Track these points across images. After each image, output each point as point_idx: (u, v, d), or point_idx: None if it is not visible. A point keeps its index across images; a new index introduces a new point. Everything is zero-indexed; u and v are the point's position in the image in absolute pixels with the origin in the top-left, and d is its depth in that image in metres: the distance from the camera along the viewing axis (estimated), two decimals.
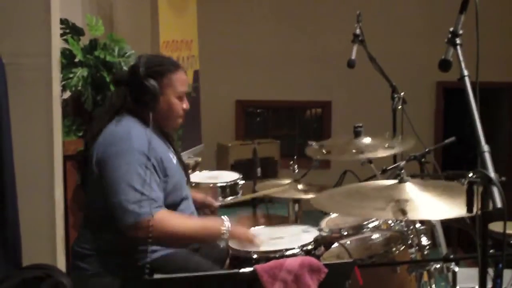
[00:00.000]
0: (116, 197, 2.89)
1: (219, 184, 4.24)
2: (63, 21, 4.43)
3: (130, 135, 3.03)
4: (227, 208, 4.19)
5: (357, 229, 3.46)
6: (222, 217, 3.14)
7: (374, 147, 3.90)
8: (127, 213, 2.86)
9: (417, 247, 2.99)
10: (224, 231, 3.06)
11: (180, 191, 3.21)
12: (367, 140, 3.97)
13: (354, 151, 3.86)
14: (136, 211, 2.86)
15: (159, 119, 3.18)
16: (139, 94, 3.11)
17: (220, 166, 8.10)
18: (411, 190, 2.81)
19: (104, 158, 3.00)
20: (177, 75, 3.23)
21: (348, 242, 3.31)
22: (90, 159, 3.07)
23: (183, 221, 3.05)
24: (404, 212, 2.72)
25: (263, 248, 3.18)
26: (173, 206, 3.13)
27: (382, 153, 3.82)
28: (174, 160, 3.25)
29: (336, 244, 3.26)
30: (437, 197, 2.75)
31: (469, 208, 2.03)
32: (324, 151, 3.97)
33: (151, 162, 3.00)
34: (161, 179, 3.07)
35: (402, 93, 4.31)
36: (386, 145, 3.85)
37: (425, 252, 2.98)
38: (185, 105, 3.28)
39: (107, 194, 2.93)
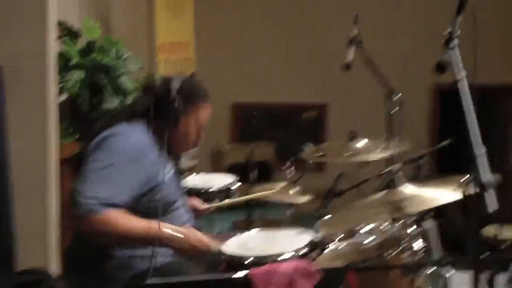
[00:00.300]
0: (76, 186, 2.85)
1: (214, 188, 4.24)
2: (60, 23, 4.43)
3: (129, 137, 3.03)
4: (222, 212, 4.20)
5: (351, 233, 3.46)
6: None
7: (370, 149, 3.90)
8: (76, 205, 2.80)
9: (411, 251, 2.99)
10: (167, 235, 2.97)
11: (168, 203, 3.17)
12: (363, 143, 3.97)
13: (349, 153, 3.86)
14: (83, 207, 2.79)
15: (171, 140, 3.13)
16: (163, 110, 3.09)
17: (215, 169, 8.08)
18: (407, 190, 2.83)
19: (92, 149, 3.00)
20: (204, 107, 3.28)
21: (342, 246, 3.31)
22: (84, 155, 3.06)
23: (128, 223, 2.93)
24: (400, 209, 2.74)
25: (257, 252, 3.17)
26: (155, 215, 3.00)
27: (378, 156, 3.82)
28: (169, 174, 3.21)
29: (330, 248, 3.26)
30: (432, 188, 2.77)
31: (464, 212, 2.04)
32: (320, 153, 3.97)
33: (135, 170, 2.97)
34: (151, 191, 3.04)
35: (398, 96, 4.31)
36: (382, 146, 3.85)
37: (419, 256, 2.98)
38: (199, 137, 3.35)
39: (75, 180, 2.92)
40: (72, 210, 2.83)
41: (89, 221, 2.80)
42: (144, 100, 3.18)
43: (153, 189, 3.05)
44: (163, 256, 3.08)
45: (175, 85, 3.13)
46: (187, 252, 3.06)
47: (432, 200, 2.77)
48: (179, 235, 3.01)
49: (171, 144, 3.17)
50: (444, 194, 2.71)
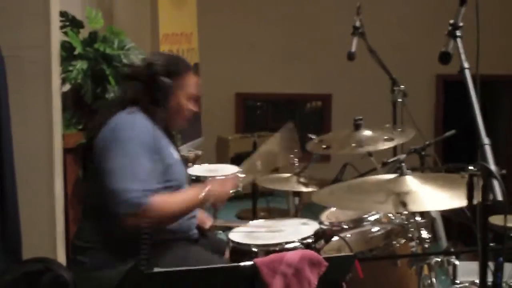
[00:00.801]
0: (113, 185, 2.86)
1: (218, 178, 4.23)
2: (63, 14, 4.42)
3: (135, 125, 3.03)
4: (227, 201, 4.19)
5: (358, 222, 3.45)
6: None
7: (374, 139, 3.89)
8: (125, 203, 2.84)
9: (417, 241, 2.99)
10: (202, 197, 3.09)
11: (179, 185, 3.21)
12: (367, 133, 3.96)
13: (353, 144, 3.85)
14: (134, 201, 2.83)
15: (167, 117, 3.18)
16: (152, 90, 3.11)
17: (220, 159, 8.10)
18: (412, 183, 2.81)
19: (105, 145, 2.99)
20: (190, 78, 3.25)
21: (349, 236, 3.31)
22: (94, 148, 3.06)
23: (173, 200, 3.05)
24: (404, 204, 2.73)
25: (263, 241, 3.18)
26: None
27: (382, 146, 3.81)
28: (175, 155, 3.25)
29: (336, 238, 3.26)
30: (438, 189, 2.75)
31: (470, 201, 2.03)
32: (323, 146, 3.96)
33: (151, 154, 3.00)
34: (161, 172, 3.07)
35: (402, 86, 4.30)
36: (386, 137, 3.83)
37: (426, 246, 2.98)
38: (194, 108, 3.29)
39: (104, 181, 2.92)
40: (122, 209, 2.85)
41: (142, 214, 2.84)
42: (131, 87, 3.19)
43: (168, 169, 3.10)
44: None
45: (156, 63, 3.14)
46: (222, 199, 3.23)
47: (436, 202, 2.75)
48: (210, 189, 3.13)
49: (167, 121, 3.22)
50: (448, 197, 2.68)
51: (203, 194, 3.10)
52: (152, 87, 3.12)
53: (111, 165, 2.92)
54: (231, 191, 3.30)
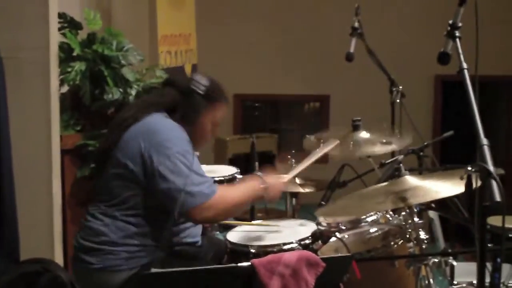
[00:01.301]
0: (180, 182, 2.92)
1: (216, 179, 4.24)
2: (61, 15, 4.41)
3: (175, 127, 3.11)
4: None
5: (355, 223, 3.45)
6: (257, 173, 3.34)
7: (372, 141, 3.89)
8: (195, 196, 2.92)
9: (415, 241, 2.99)
10: (264, 187, 3.20)
11: None
12: (365, 134, 3.96)
13: (351, 144, 3.85)
14: (204, 192, 2.94)
15: (189, 135, 3.18)
16: (186, 106, 3.18)
17: (218, 160, 8.09)
18: (410, 181, 2.82)
19: (156, 143, 3.01)
20: (222, 107, 3.37)
21: (346, 236, 3.31)
22: (128, 148, 3.05)
23: (235, 191, 3.19)
24: (404, 199, 2.73)
25: (261, 242, 3.18)
26: None
27: (380, 148, 3.81)
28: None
29: (334, 238, 3.26)
30: (436, 181, 2.77)
31: (468, 202, 2.02)
32: (321, 144, 3.96)
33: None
34: None
35: (400, 87, 4.30)
36: (384, 140, 3.83)
37: (423, 246, 2.98)
38: (214, 134, 3.39)
39: (165, 180, 2.95)
40: (191, 203, 2.92)
41: (213, 202, 2.95)
42: (169, 94, 3.23)
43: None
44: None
45: (202, 84, 3.21)
46: (275, 196, 3.31)
47: (435, 192, 2.76)
48: (270, 186, 3.24)
49: (190, 138, 3.22)
50: (446, 186, 2.70)
51: (264, 186, 3.20)
52: (187, 103, 3.18)
53: (167, 165, 2.97)
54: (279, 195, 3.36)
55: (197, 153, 3.74)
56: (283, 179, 3.39)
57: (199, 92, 3.18)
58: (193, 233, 3.24)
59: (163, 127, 3.09)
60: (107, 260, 3.04)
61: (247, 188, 3.24)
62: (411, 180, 2.86)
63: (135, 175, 3.00)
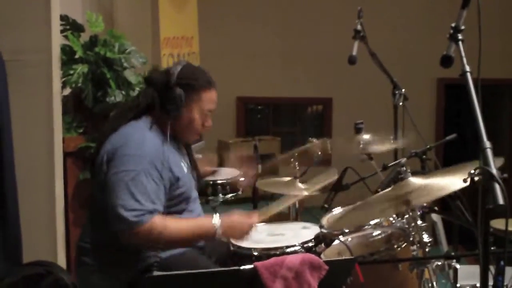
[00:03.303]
0: (114, 201, 2.85)
1: (219, 181, 4.24)
2: (63, 18, 4.42)
3: (144, 142, 3.00)
4: (227, 205, 4.19)
5: (358, 226, 3.45)
6: (214, 215, 3.09)
7: (375, 143, 3.89)
8: (120, 220, 2.82)
9: (418, 244, 2.98)
10: (217, 230, 3.01)
11: (188, 198, 3.20)
12: (368, 138, 3.95)
13: (355, 146, 3.85)
14: (129, 220, 2.81)
15: (177, 129, 3.15)
16: (165, 100, 3.08)
17: (221, 163, 8.08)
18: (413, 183, 2.81)
19: (113, 158, 2.97)
20: (207, 93, 3.19)
21: (349, 239, 3.30)
22: (101, 154, 3.05)
23: (179, 227, 2.99)
24: (407, 202, 2.73)
25: (264, 245, 3.17)
26: (180, 211, 3.13)
27: (383, 148, 3.81)
28: (185, 169, 3.22)
29: (337, 241, 3.25)
30: (438, 179, 2.76)
31: (471, 205, 2.02)
32: (325, 146, 3.96)
33: (158, 173, 2.97)
34: (171, 187, 3.05)
35: (403, 90, 4.29)
36: (388, 140, 3.83)
37: (427, 249, 2.97)
38: (207, 123, 3.26)
39: (106, 194, 2.91)
40: (117, 225, 2.84)
41: (139, 232, 2.83)
42: (146, 94, 3.16)
43: (175, 185, 3.07)
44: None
45: (175, 74, 3.10)
46: (236, 237, 3.15)
47: (438, 190, 2.75)
48: (225, 225, 3.03)
49: (178, 133, 3.19)
50: (450, 183, 2.69)
51: (218, 228, 3.01)
52: (165, 97, 3.08)
53: (114, 179, 2.91)
54: (249, 230, 3.13)
55: (200, 156, 3.73)
56: (251, 219, 3.13)
57: (173, 83, 3.06)
58: None
59: (130, 141, 2.99)
60: (104, 262, 3.04)
61: (192, 226, 3.05)
62: (414, 181, 2.85)
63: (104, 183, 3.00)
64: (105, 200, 2.90)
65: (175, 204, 3.06)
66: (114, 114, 3.26)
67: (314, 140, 4.13)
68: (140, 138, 3.00)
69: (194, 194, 3.29)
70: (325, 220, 3.63)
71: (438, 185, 2.75)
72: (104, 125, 3.19)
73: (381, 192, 3.02)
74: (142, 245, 2.92)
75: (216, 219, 3.02)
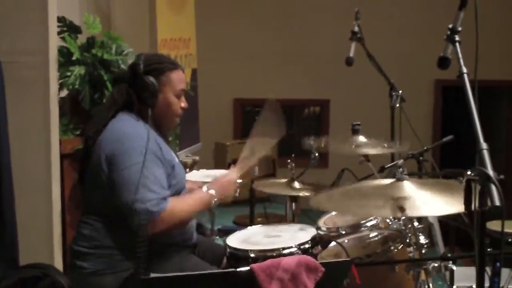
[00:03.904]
0: (129, 197, 2.88)
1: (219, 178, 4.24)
2: (60, 19, 4.42)
3: (138, 132, 3.04)
4: (225, 207, 4.18)
5: (355, 227, 3.45)
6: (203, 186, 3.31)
7: (371, 144, 3.89)
8: (141, 213, 2.86)
9: (415, 246, 2.98)
10: (212, 193, 3.21)
11: (181, 190, 3.23)
12: (364, 139, 3.95)
13: (352, 146, 3.84)
14: (150, 210, 2.87)
15: (158, 117, 3.20)
16: (139, 91, 3.13)
17: (218, 165, 8.09)
18: (410, 188, 2.80)
19: (114, 155, 2.99)
20: (175, 74, 3.25)
21: (346, 241, 3.30)
22: (96, 156, 3.06)
23: (183, 206, 3.09)
24: (402, 210, 2.72)
25: (260, 247, 3.17)
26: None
27: (379, 151, 3.80)
28: (177, 159, 3.27)
29: (333, 243, 3.25)
30: (436, 194, 2.74)
31: (467, 206, 2.02)
32: (322, 144, 3.96)
33: (159, 159, 3.04)
34: (168, 176, 3.09)
35: (400, 91, 4.30)
36: (385, 145, 3.83)
37: (423, 251, 2.97)
38: (183, 103, 3.30)
39: (117, 192, 2.93)
40: (137, 219, 2.87)
41: (162, 219, 2.90)
42: (120, 91, 3.21)
43: (171, 174, 3.13)
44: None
45: (140, 63, 3.17)
46: (229, 195, 3.35)
47: (435, 208, 2.74)
48: (217, 189, 3.26)
49: (159, 121, 3.24)
50: (447, 203, 2.68)
51: (212, 192, 3.22)
52: (138, 88, 3.14)
53: (123, 176, 2.94)
54: (233, 193, 3.38)
55: (197, 158, 3.73)
56: (231, 173, 3.42)
57: (141, 72, 3.13)
58: (183, 232, 3.23)
59: (123, 135, 3.04)
60: (100, 264, 3.04)
61: (196, 200, 3.21)
62: (410, 187, 2.84)
63: (106, 185, 3.01)
64: (117, 199, 2.93)
65: (170, 195, 3.08)
66: (93, 117, 3.28)
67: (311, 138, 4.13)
68: (132, 130, 3.06)
69: (184, 185, 3.33)
70: (321, 222, 3.64)
71: (435, 202, 2.72)
72: (85, 129, 3.23)
73: (376, 182, 3.02)
74: (164, 231, 2.97)
75: (207, 188, 3.25)
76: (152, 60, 3.21)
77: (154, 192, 2.91)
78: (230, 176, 3.40)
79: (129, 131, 3.06)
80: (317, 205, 3.01)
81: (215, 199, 3.22)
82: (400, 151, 3.86)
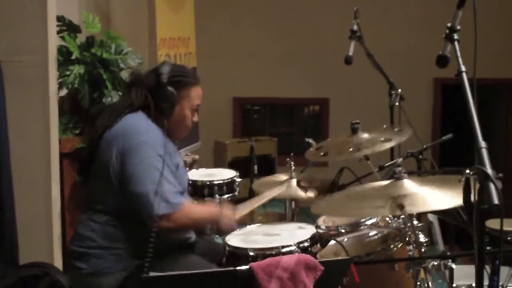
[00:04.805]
0: (146, 187, 2.90)
1: (215, 182, 4.25)
2: (60, 18, 4.41)
3: (150, 128, 3.10)
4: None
5: (355, 226, 3.45)
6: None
7: (371, 142, 3.87)
8: (161, 205, 2.89)
9: (414, 244, 2.99)
10: (220, 215, 3.21)
11: (182, 192, 3.23)
12: (364, 135, 3.94)
13: (351, 149, 3.83)
14: (172, 202, 2.92)
15: (170, 127, 3.22)
16: (158, 100, 3.17)
17: (217, 164, 8.09)
18: (409, 186, 2.81)
19: (128, 148, 3.01)
20: (195, 89, 3.31)
21: (345, 239, 3.30)
22: (104, 151, 3.06)
23: (198, 210, 3.19)
24: (402, 207, 2.72)
25: (260, 245, 3.18)
26: None
27: (379, 148, 3.79)
28: (181, 163, 3.29)
29: (333, 242, 3.25)
30: (435, 190, 2.75)
31: (466, 205, 2.02)
32: (321, 153, 3.95)
33: (169, 156, 3.08)
34: (173, 175, 3.12)
35: (399, 90, 4.30)
36: (383, 138, 3.82)
37: (423, 249, 2.98)
38: (195, 118, 3.35)
39: (132, 184, 2.95)
40: (157, 212, 2.90)
41: (177, 216, 2.96)
42: (138, 94, 3.20)
43: (175, 173, 3.16)
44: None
45: (164, 73, 3.19)
46: (227, 226, 3.30)
47: (433, 203, 2.75)
48: (225, 217, 3.24)
49: (170, 131, 3.24)
50: (445, 197, 2.69)
51: (220, 217, 3.20)
52: (157, 96, 3.16)
53: (139, 169, 2.96)
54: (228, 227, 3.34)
55: (196, 157, 3.75)
56: (236, 212, 3.35)
57: (165, 82, 3.16)
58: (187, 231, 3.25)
59: (138, 130, 3.08)
60: (98, 264, 3.04)
61: (208, 210, 3.28)
62: (409, 184, 2.85)
63: (115, 180, 3.01)
64: (133, 191, 2.96)
65: None
66: (107, 112, 3.28)
67: (310, 141, 4.12)
68: (145, 125, 3.11)
69: (186, 188, 3.36)
70: (321, 221, 3.64)
71: (433, 197, 2.73)
72: (96, 122, 3.23)
73: (375, 184, 3.03)
74: (175, 227, 3.02)
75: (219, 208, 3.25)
76: (178, 72, 3.26)
77: (173, 185, 2.97)
78: (235, 213, 3.34)
79: (141, 126, 3.10)
80: (319, 211, 3.05)
81: (221, 221, 3.22)
82: (399, 137, 3.83)
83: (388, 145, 3.75)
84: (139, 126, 3.09)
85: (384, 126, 4.05)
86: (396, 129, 3.90)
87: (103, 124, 3.14)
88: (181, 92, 3.20)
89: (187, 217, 3.00)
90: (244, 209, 3.44)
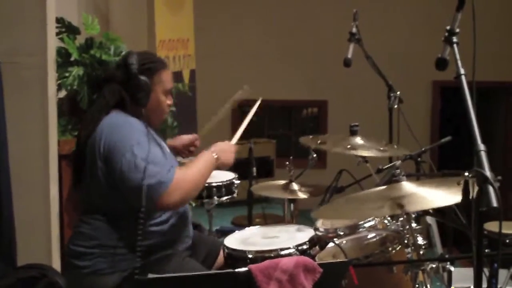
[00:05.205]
0: (135, 177, 2.89)
1: (214, 184, 4.24)
2: (59, 20, 4.42)
3: (129, 122, 3.08)
4: (223, 208, 4.19)
5: (353, 228, 3.45)
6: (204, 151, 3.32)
7: (368, 147, 3.88)
8: (155, 187, 2.87)
9: (413, 247, 2.99)
10: (215, 156, 3.24)
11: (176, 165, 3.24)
12: (362, 141, 3.94)
13: (348, 146, 3.83)
14: (162, 181, 2.88)
15: (148, 114, 3.22)
16: (133, 91, 3.15)
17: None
18: (408, 187, 2.81)
19: (109, 146, 3.00)
20: (166, 73, 3.29)
21: (344, 242, 3.30)
22: (90, 155, 3.06)
23: (192, 169, 3.10)
24: (401, 206, 2.73)
25: (258, 247, 3.18)
26: None
27: (375, 153, 3.80)
28: (167, 148, 3.30)
29: (331, 244, 3.25)
30: (433, 189, 2.76)
31: (465, 207, 2.02)
32: (318, 141, 3.95)
33: (155, 141, 3.08)
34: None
35: (398, 92, 4.30)
36: (381, 148, 3.82)
37: (421, 252, 2.98)
38: (170, 101, 3.34)
39: (123, 179, 2.93)
40: (154, 194, 2.88)
41: (175, 188, 2.92)
42: (112, 91, 3.20)
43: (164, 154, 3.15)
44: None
45: (134, 63, 3.17)
46: (229, 160, 3.38)
47: (431, 200, 2.75)
48: (218, 150, 3.31)
49: (149, 118, 3.24)
50: (444, 195, 2.70)
51: (215, 154, 3.24)
52: (131, 88, 3.15)
53: (123, 163, 2.93)
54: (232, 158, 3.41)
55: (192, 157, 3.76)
56: (230, 142, 3.54)
57: (136, 72, 3.14)
58: (179, 233, 3.24)
59: (115, 126, 3.05)
60: (98, 264, 3.04)
61: (201, 163, 3.19)
62: (408, 186, 2.85)
63: (106, 182, 3.01)
64: (124, 185, 2.93)
65: None
66: (86, 120, 3.26)
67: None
68: (122, 120, 3.09)
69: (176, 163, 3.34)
70: (319, 223, 3.64)
71: (432, 195, 2.74)
72: (79, 133, 3.23)
73: (375, 189, 3.03)
74: (182, 197, 2.98)
75: (214, 152, 3.27)
76: (146, 59, 3.23)
77: (160, 164, 2.93)
78: (230, 143, 3.53)
79: (119, 122, 3.08)
80: (319, 216, 3.04)
81: (219, 161, 3.26)
82: (397, 155, 3.85)
83: (385, 154, 3.76)
84: (115, 123, 3.07)
85: (383, 142, 4.04)
86: (395, 146, 3.92)
87: (85, 134, 3.13)
88: (153, 78, 3.20)
89: (185, 182, 2.98)
90: (236, 135, 3.67)
